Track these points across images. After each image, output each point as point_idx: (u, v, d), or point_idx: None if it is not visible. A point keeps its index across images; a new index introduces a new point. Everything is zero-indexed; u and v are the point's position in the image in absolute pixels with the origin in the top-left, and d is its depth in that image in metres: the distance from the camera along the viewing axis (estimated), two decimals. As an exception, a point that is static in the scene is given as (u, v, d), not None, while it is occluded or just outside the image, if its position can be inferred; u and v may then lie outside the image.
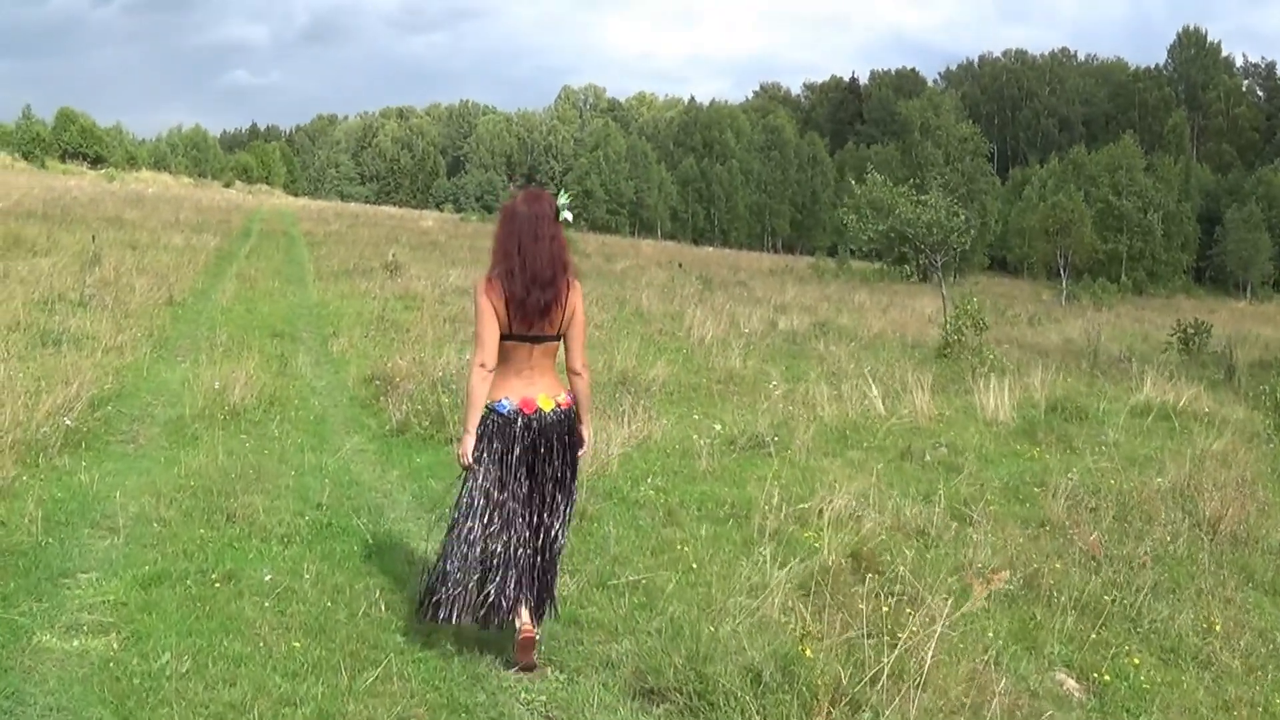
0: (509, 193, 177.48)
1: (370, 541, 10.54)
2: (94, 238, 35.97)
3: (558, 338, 7.92)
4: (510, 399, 7.80)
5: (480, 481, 7.85)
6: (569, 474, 8.16)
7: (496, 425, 7.82)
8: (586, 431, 8.27)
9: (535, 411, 7.84)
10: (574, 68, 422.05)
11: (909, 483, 14.78)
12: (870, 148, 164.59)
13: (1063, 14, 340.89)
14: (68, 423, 13.70)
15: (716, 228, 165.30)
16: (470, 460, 7.80)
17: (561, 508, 8.16)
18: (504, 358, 7.78)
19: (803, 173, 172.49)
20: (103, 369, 18.24)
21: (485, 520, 7.86)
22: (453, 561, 7.92)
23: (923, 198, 35.60)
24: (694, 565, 10.31)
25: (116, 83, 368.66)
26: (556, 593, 8.42)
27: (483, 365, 7.66)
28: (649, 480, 13.70)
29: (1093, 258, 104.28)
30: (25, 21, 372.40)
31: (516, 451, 7.85)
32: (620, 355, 22.72)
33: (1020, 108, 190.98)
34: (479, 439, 7.81)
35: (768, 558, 10.09)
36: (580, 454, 8.24)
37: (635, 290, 43.90)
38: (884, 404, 20.14)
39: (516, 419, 7.82)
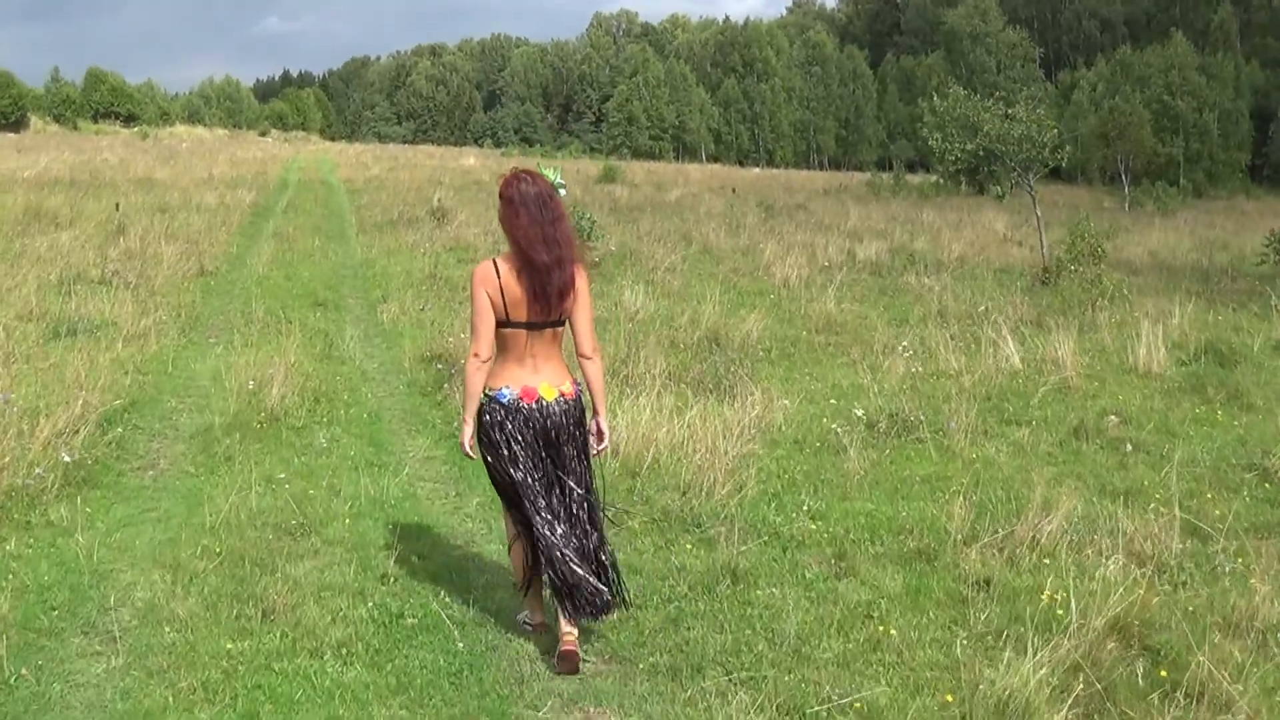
0: (545, 125, 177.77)
1: (461, 647, 7.84)
2: (118, 205, 33.53)
3: (559, 323, 7.63)
4: (511, 387, 7.57)
5: (501, 471, 7.71)
6: (582, 468, 7.86)
7: (500, 414, 7.59)
8: (603, 422, 7.95)
9: (536, 400, 7.59)
10: None
11: (1101, 477, 12.26)
12: (915, 58, 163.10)
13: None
14: (66, 458, 11.03)
15: (761, 148, 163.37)
16: (470, 449, 7.76)
17: (583, 500, 7.85)
18: (504, 345, 7.57)
19: (845, 87, 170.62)
20: (121, 366, 15.81)
21: (519, 508, 7.76)
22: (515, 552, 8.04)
23: (1010, 110, 32.93)
24: (902, 651, 7.69)
25: (146, 39, 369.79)
26: (614, 584, 7.99)
27: (476, 355, 7.49)
28: (796, 497, 11.15)
29: (1152, 162, 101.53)
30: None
31: (523, 439, 7.60)
32: (704, 306, 20.79)
33: (1061, 10, 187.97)
34: (487, 428, 7.65)
35: (1001, 642, 7.69)
36: (600, 449, 8.02)
37: (696, 223, 41.79)
38: (1020, 356, 17.67)
39: (518, 408, 7.57)
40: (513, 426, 7.56)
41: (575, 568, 7.58)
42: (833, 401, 15.19)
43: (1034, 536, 9.61)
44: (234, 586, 8.53)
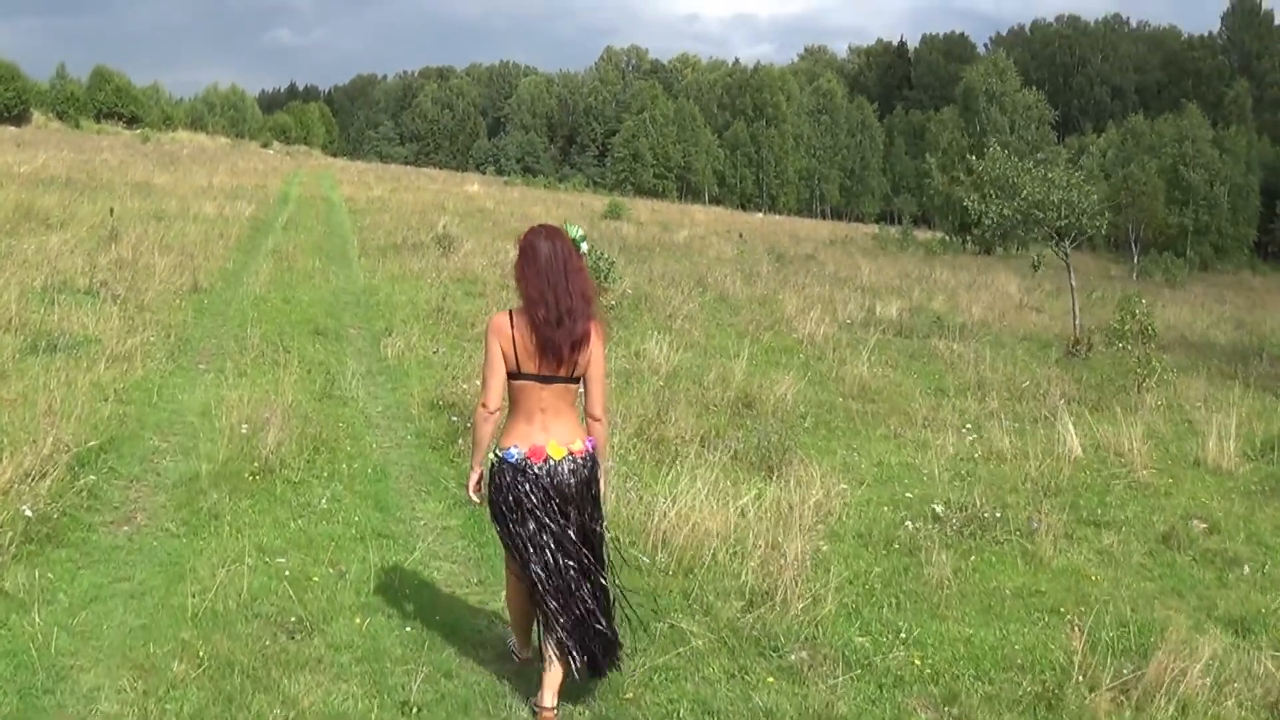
0: (548, 156, 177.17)
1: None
2: (113, 210, 31.97)
3: (573, 380, 7.44)
4: (519, 446, 7.39)
5: (509, 533, 7.51)
6: (596, 526, 7.69)
7: (509, 475, 7.42)
8: (604, 483, 7.84)
9: (544, 460, 7.38)
10: (616, 28, 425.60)
11: (1204, 596, 10.99)
12: (925, 113, 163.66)
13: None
14: (27, 512, 9.43)
15: (765, 193, 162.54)
16: (474, 494, 7.72)
17: (596, 560, 7.66)
18: (515, 399, 7.42)
19: (852, 138, 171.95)
20: (101, 392, 14.29)
21: (524, 569, 7.51)
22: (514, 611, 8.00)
23: (1049, 174, 31.70)
24: None
25: (155, 41, 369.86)
26: (613, 643, 7.74)
27: (484, 406, 7.38)
28: (880, 613, 9.72)
29: (1163, 232, 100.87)
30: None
31: (531, 501, 7.39)
32: (731, 364, 19.68)
33: (1073, 75, 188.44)
34: (495, 489, 7.49)
35: None
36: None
37: (706, 266, 41.20)
38: (1079, 442, 16.34)
39: (525, 468, 7.38)
40: (521, 488, 7.36)
41: (568, 637, 7.44)
42: (892, 487, 13.93)
43: (1169, 682, 8.20)
44: (219, 708, 6.95)
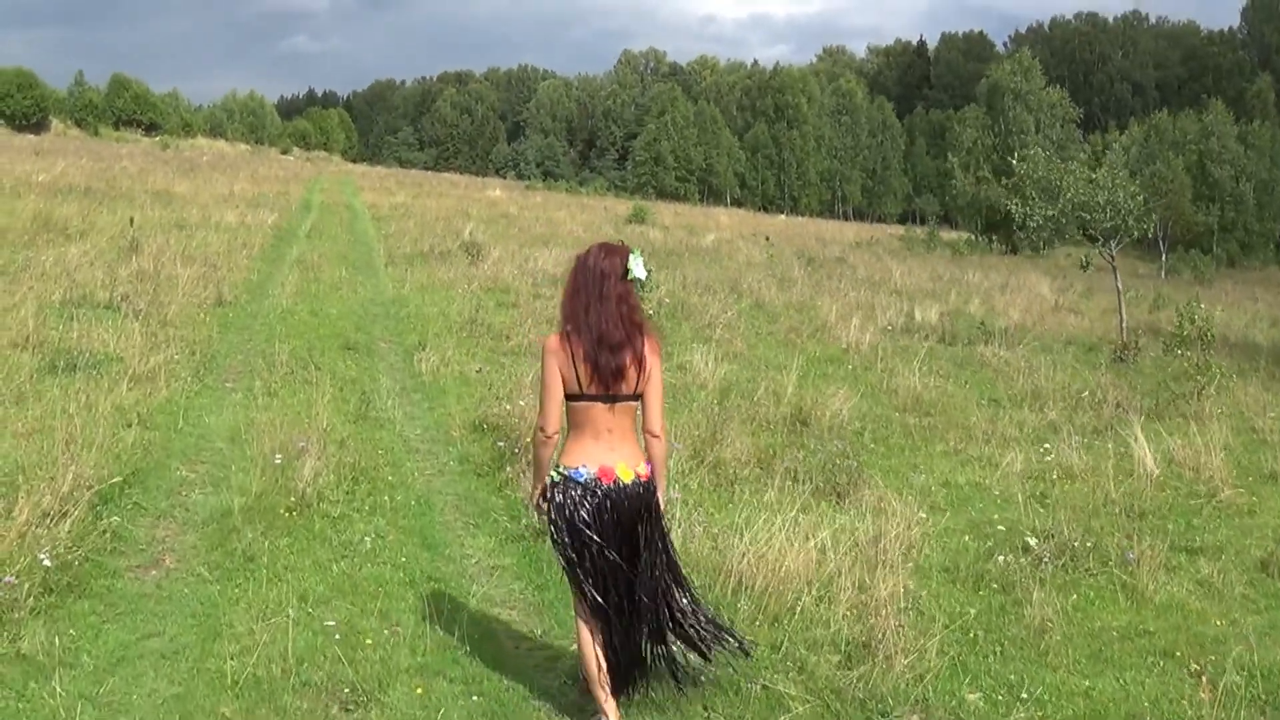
0: (568, 160, 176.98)
1: None
2: (133, 220, 31.08)
3: (635, 398, 7.21)
4: (588, 466, 7.12)
5: (574, 557, 7.20)
6: (661, 543, 7.46)
7: (577, 494, 7.13)
8: (661, 498, 7.50)
9: (614, 481, 7.14)
10: (634, 31, 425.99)
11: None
12: (945, 112, 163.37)
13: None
14: (46, 561, 8.55)
15: (787, 195, 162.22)
16: (538, 507, 7.50)
17: (662, 575, 7.47)
18: (578, 420, 7.16)
19: (873, 138, 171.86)
20: (123, 416, 13.52)
21: (589, 592, 7.24)
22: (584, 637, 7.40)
23: (1094, 175, 30.92)
24: None
25: (174, 49, 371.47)
26: (684, 653, 7.73)
27: (542, 430, 7.11)
28: (988, 664, 8.89)
29: (1190, 229, 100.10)
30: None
31: (600, 522, 7.12)
32: (780, 377, 18.86)
33: (1093, 72, 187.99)
34: (561, 508, 7.14)
35: None
36: None
37: (737, 271, 40.56)
38: (1153, 457, 15.32)
39: (596, 488, 7.12)
40: (590, 508, 7.11)
41: (643, 654, 7.48)
42: (967, 512, 13.13)
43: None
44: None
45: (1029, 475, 14.88)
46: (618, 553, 7.20)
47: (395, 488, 12.17)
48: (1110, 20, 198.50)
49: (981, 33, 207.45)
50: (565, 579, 7.51)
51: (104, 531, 9.78)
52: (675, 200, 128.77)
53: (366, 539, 10.46)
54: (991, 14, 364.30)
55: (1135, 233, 31.33)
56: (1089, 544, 11.53)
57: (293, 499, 11.05)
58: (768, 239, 64.49)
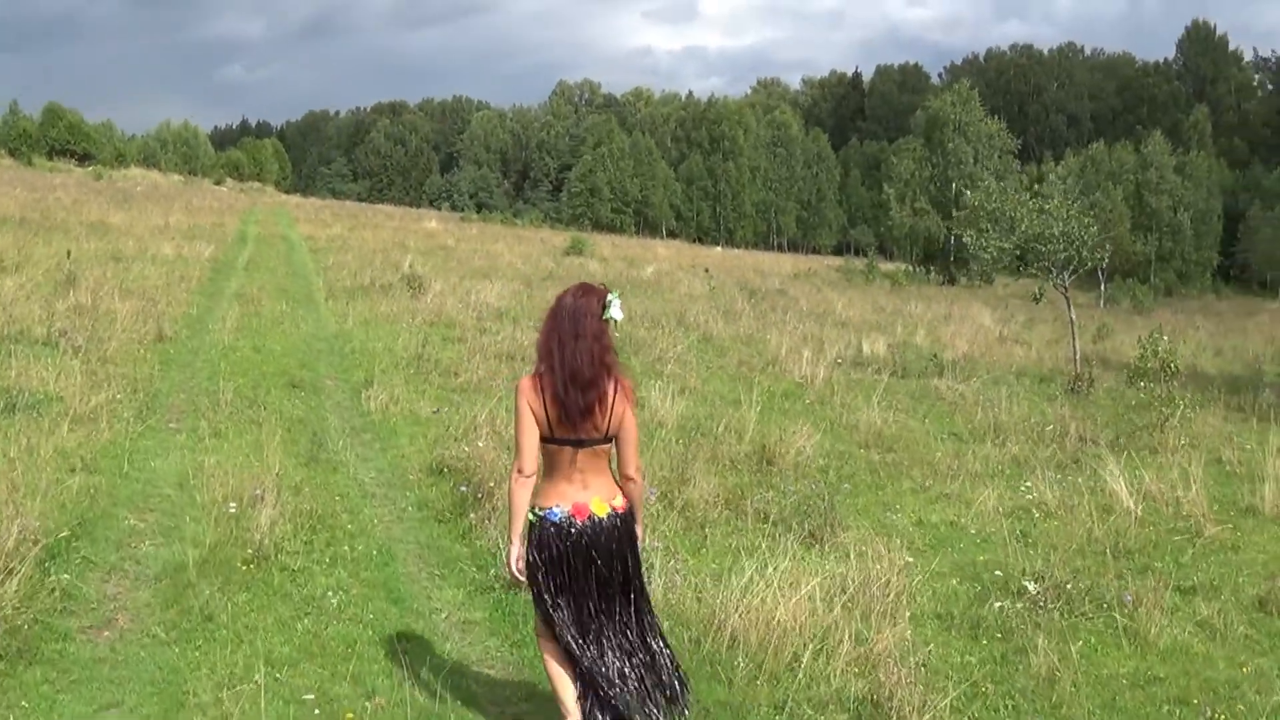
0: (501, 191, 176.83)
1: None
2: (69, 253, 30.48)
3: (606, 440, 7.17)
4: (561, 505, 7.12)
5: (550, 596, 7.16)
6: (638, 579, 7.44)
7: (551, 534, 7.10)
8: (640, 541, 7.50)
9: (588, 518, 7.11)
10: (569, 63, 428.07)
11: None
12: (880, 144, 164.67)
13: (1059, 9, 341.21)
14: None
15: (722, 226, 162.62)
16: (518, 571, 7.21)
17: (641, 613, 7.42)
18: (551, 461, 7.14)
19: (808, 169, 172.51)
20: (66, 460, 12.96)
21: (567, 635, 7.17)
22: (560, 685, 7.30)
23: (1046, 205, 30.70)
24: None
25: (107, 78, 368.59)
26: (679, 685, 7.45)
27: (520, 471, 7.04)
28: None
29: (1129, 259, 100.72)
30: (15, 17, 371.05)
31: (577, 561, 7.10)
32: (738, 413, 18.57)
33: (1029, 103, 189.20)
34: (536, 549, 7.12)
35: None
36: None
37: (680, 303, 40.13)
38: (1129, 492, 15.00)
39: (570, 526, 7.09)
40: (564, 547, 7.10)
41: (631, 698, 7.18)
42: (949, 553, 12.76)
43: None
44: None
45: (1004, 513, 14.61)
46: (596, 589, 7.17)
47: (355, 536, 11.65)
48: (1045, 52, 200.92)
49: (917, 65, 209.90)
50: (537, 622, 7.41)
51: (53, 590, 9.21)
52: (611, 232, 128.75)
53: (330, 594, 9.94)
54: (925, 46, 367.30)
55: (1089, 263, 31.14)
56: (1083, 586, 11.24)
57: (250, 550, 10.52)
58: (707, 271, 64.19)
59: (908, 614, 10.20)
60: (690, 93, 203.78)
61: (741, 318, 36.99)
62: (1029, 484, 15.80)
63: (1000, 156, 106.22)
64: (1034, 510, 14.78)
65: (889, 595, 10.31)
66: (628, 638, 7.34)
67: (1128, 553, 13.02)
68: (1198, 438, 20.26)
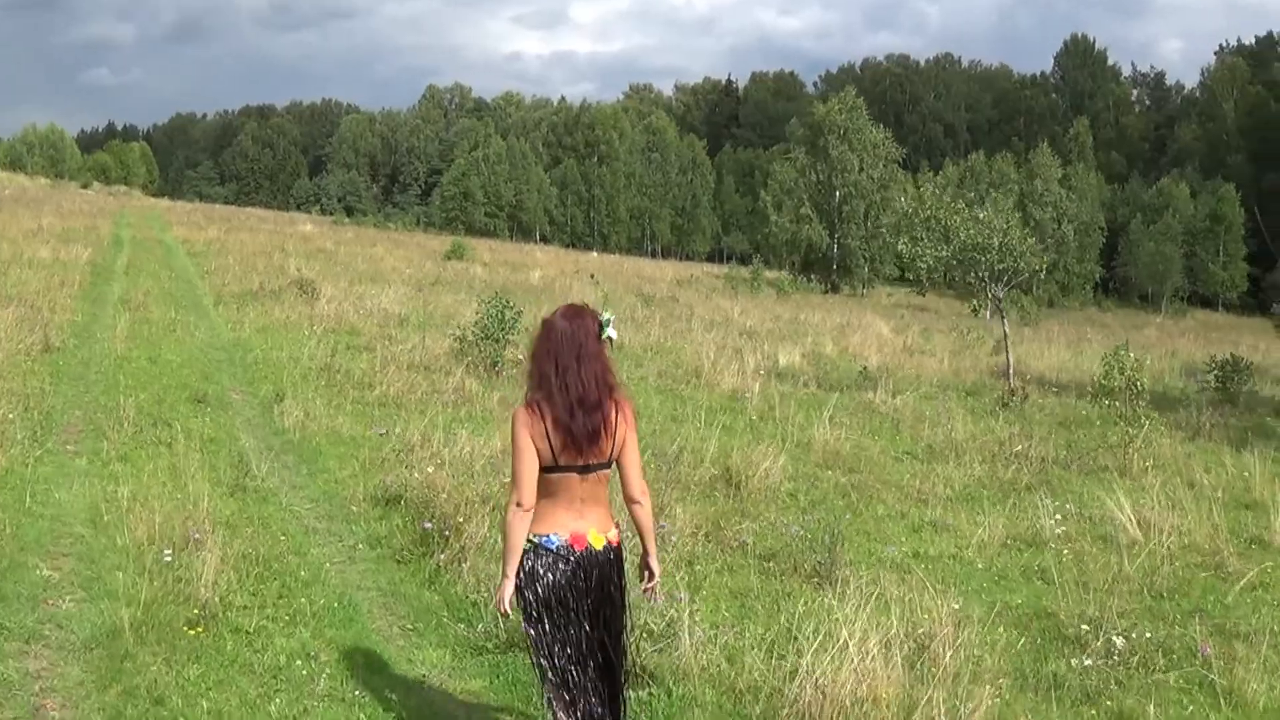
0: (370, 195, 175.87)
1: None
2: (-58, 257, 28.84)
3: (609, 464, 6.80)
4: (559, 533, 6.72)
5: (543, 629, 6.78)
6: (620, 620, 7.04)
7: (548, 562, 6.70)
8: (654, 562, 7.18)
9: (586, 549, 6.76)
10: (440, 68, 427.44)
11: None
12: (755, 150, 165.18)
13: (930, 21, 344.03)
14: None
15: (596, 231, 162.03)
16: (507, 607, 6.83)
17: (619, 650, 7.05)
18: (550, 490, 6.69)
19: (683, 175, 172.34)
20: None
21: (559, 668, 6.80)
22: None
23: (979, 214, 29.58)
24: None
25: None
26: None
27: (519, 505, 6.61)
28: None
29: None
30: None
31: (572, 590, 6.74)
32: (687, 433, 17.33)
33: (905, 113, 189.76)
34: (531, 578, 6.74)
35: None
36: (650, 586, 7.22)
37: None
38: (1132, 520, 13.99)
39: (569, 555, 6.72)
40: (561, 576, 6.73)
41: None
42: (973, 595, 11.44)
43: None
44: None
45: (1007, 544, 13.60)
46: (589, 619, 6.83)
47: (308, 585, 10.01)
48: (922, 63, 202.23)
49: (792, 73, 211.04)
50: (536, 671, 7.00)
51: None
52: (485, 236, 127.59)
53: (296, 662, 8.33)
54: (795, 54, 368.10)
55: (1027, 272, 30.21)
56: (1148, 636, 9.98)
57: (195, 609, 8.89)
58: (593, 277, 63.54)
59: (982, 675, 8.73)
60: (562, 98, 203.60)
61: (644, 326, 36.20)
62: (1017, 511, 14.93)
63: (885, 165, 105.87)
64: (1035, 542, 13.68)
65: (947, 652, 8.80)
66: (610, 671, 6.97)
67: (1162, 594, 11.81)
68: (1161, 459, 19.31)
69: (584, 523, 6.79)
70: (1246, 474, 18.17)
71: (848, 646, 8.20)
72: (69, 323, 23.91)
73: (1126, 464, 18.63)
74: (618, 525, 7.02)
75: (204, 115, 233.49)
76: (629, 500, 6.98)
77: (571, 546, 6.75)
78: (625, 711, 7.14)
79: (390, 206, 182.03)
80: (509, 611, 6.90)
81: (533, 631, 6.81)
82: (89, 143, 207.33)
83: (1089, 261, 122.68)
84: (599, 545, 6.83)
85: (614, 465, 6.88)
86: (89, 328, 23.96)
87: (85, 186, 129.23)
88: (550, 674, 6.83)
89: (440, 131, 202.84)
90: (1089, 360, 39.46)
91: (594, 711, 6.82)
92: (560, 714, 6.81)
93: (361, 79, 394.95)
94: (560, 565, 6.75)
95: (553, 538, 6.73)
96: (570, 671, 6.80)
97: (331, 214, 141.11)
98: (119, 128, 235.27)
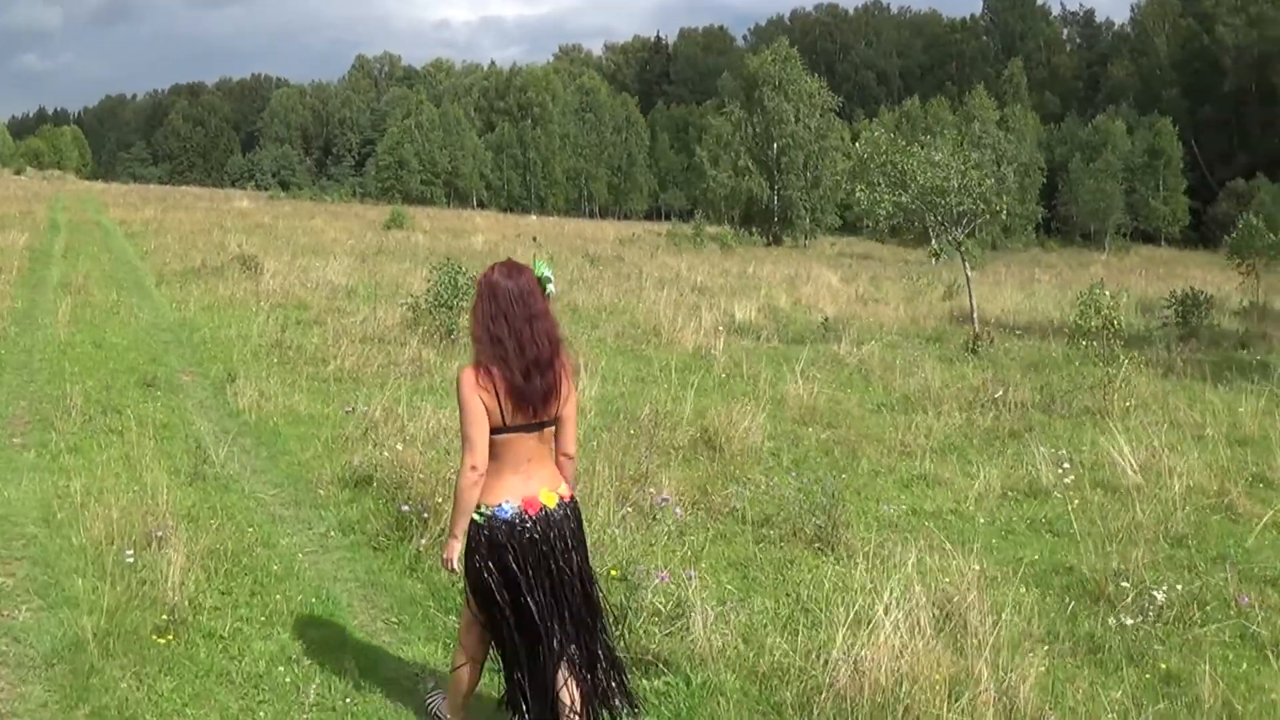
0: (304, 168, 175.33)
1: None
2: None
3: (552, 423, 6.78)
4: (511, 501, 6.60)
5: (501, 603, 6.62)
6: (587, 570, 6.92)
7: (503, 534, 6.55)
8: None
9: (540, 510, 6.65)
10: (368, 39, 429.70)
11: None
12: (688, 106, 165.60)
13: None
14: None
15: (533, 194, 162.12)
16: (456, 564, 6.70)
17: (592, 605, 6.94)
18: (498, 453, 6.58)
19: (618, 134, 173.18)
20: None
21: (518, 636, 6.69)
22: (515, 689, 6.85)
23: (935, 158, 28.89)
24: None
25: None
26: (625, 688, 7.02)
27: (474, 468, 6.45)
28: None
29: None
30: None
31: (530, 558, 6.61)
32: (658, 395, 16.87)
33: (837, 62, 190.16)
34: (487, 552, 6.58)
35: None
36: None
37: None
38: (1133, 464, 13.53)
39: (523, 523, 6.58)
40: (518, 547, 6.56)
41: (597, 679, 6.82)
42: (983, 551, 10.44)
43: None
44: None
45: (1007, 496, 13.06)
46: (547, 587, 6.68)
47: (282, 580, 9.27)
48: (851, 11, 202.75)
49: (721, 27, 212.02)
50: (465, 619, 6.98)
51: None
52: (422, 204, 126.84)
53: (278, 668, 7.63)
54: (722, 10, 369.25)
55: (988, 214, 29.56)
56: (1180, 589, 9.34)
57: (163, 615, 8.13)
58: (535, 239, 63.16)
59: (1019, 642, 8.10)
60: (492, 62, 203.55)
61: (595, 286, 35.84)
62: (1007, 460, 14.53)
63: (822, 114, 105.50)
64: (1034, 492, 13.18)
65: (979, 617, 8.18)
66: (577, 647, 6.81)
67: (1180, 540, 11.23)
68: (1141, 399, 18.94)
69: (534, 483, 6.68)
70: (1230, 410, 17.76)
71: (880, 620, 7.57)
72: (8, 309, 23.14)
73: (1108, 405, 18.07)
74: (561, 470, 6.88)
75: (134, 96, 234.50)
76: (562, 454, 6.93)
77: (525, 512, 6.63)
78: (625, 678, 7.03)
79: (325, 179, 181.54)
80: (456, 568, 6.71)
81: (479, 600, 6.69)
82: (20, 129, 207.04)
83: (1030, 202, 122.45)
84: (552, 503, 6.71)
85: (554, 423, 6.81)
86: (29, 314, 23.23)
87: (18, 172, 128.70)
88: (520, 654, 6.71)
89: (371, 102, 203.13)
90: (1042, 301, 39.35)
91: (530, 682, 6.71)
92: (530, 696, 6.72)
93: (291, 53, 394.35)
94: (517, 535, 6.59)
95: (505, 507, 6.60)
96: (521, 647, 6.68)
97: (267, 189, 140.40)
98: (50, 112, 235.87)
